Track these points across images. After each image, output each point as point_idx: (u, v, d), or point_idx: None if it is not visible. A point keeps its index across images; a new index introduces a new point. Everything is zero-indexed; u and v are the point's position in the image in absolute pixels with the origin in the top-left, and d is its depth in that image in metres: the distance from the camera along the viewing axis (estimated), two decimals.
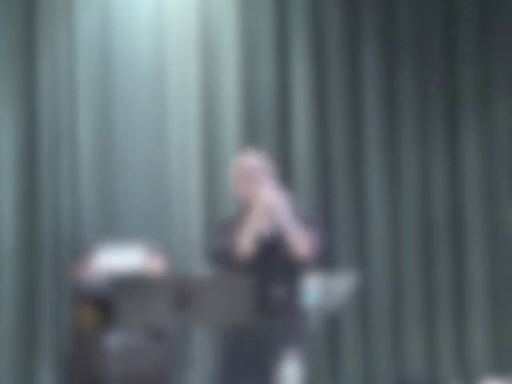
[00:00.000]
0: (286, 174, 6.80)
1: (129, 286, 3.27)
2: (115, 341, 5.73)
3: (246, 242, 3.81)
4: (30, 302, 6.35)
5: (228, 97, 6.68)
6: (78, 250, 6.38)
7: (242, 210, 4.06)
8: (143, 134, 6.61)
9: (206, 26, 6.71)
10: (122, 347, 5.73)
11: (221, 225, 4.21)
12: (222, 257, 3.90)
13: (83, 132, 6.51)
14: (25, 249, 6.39)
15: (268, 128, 6.73)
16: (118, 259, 6.12)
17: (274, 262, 3.84)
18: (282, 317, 3.78)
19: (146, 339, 5.81)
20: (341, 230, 6.74)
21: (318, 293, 4.90)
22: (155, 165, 6.59)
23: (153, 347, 5.82)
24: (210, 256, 4.08)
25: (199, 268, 5.92)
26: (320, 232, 3.98)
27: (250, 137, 6.72)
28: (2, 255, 6.32)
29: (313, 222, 4.01)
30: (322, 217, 4.15)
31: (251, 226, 3.83)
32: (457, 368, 6.79)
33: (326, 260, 3.93)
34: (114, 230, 6.48)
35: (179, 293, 3.14)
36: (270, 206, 3.83)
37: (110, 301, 3.28)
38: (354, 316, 6.68)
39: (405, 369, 6.73)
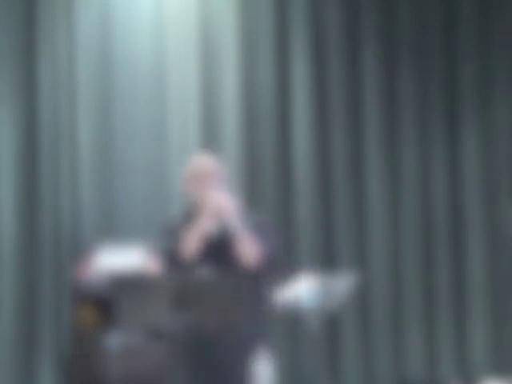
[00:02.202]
0: (285, 174, 6.82)
1: (129, 285, 3.27)
2: (115, 341, 5.72)
3: (192, 243, 3.77)
4: (29, 301, 6.34)
5: (228, 97, 6.68)
6: (78, 249, 6.37)
7: (190, 211, 4.01)
8: (143, 134, 6.61)
9: (206, 26, 6.71)
10: (122, 347, 5.72)
11: (167, 226, 4.14)
12: (169, 257, 3.86)
13: (83, 132, 6.51)
14: (25, 249, 6.38)
15: (268, 128, 6.73)
16: (117, 259, 6.12)
17: (221, 264, 3.76)
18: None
19: (146, 339, 5.80)
20: (341, 229, 6.74)
21: (318, 293, 4.89)
22: (155, 165, 6.60)
23: (153, 347, 5.82)
24: (160, 257, 4.02)
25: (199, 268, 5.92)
26: (269, 241, 3.91)
27: (250, 137, 6.73)
28: (2, 255, 6.32)
29: (263, 230, 3.94)
30: (272, 226, 4.07)
31: (198, 228, 3.79)
32: (457, 368, 6.79)
33: (276, 269, 3.85)
34: (113, 230, 6.48)
35: (179, 293, 3.14)
36: (219, 208, 3.78)
37: (110, 301, 3.28)
38: (353, 316, 6.68)
39: (405, 369, 6.73)
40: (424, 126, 6.93)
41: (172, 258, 3.83)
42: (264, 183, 6.62)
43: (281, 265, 3.88)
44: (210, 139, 6.68)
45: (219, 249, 3.79)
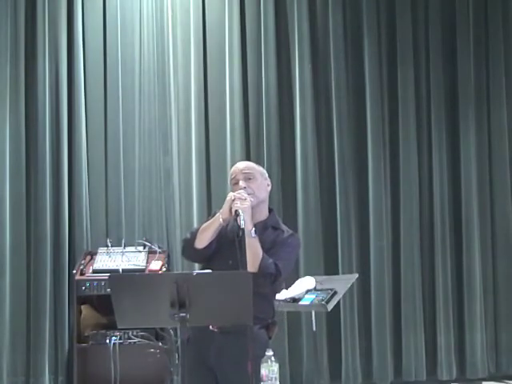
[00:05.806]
0: (286, 174, 6.82)
1: (129, 285, 3.26)
2: (115, 341, 5.72)
3: (206, 235, 3.72)
4: (29, 302, 6.34)
5: (228, 97, 6.68)
6: (78, 249, 6.38)
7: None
8: (144, 133, 6.61)
9: (205, 26, 6.72)
10: (122, 347, 5.72)
11: None
12: (186, 250, 3.83)
13: (83, 132, 6.51)
14: (25, 249, 6.38)
15: (268, 128, 6.73)
16: (117, 259, 6.12)
17: (232, 259, 3.68)
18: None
19: (146, 339, 5.80)
20: (341, 229, 6.73)
21: (318, 293, 4.90)
22: (155, 164, 6.60)
23: (153, 347, 5.82)
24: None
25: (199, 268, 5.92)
26: (283, 257, 3.76)
27: (251, 137, 6.72)
28: (1, 255, 6.32)
29: (282, 244, 3.81)
30: (296, 245, 3.93)
31: (214, 218, 3.76)
32: (457, 368, 6.79)
33: (272, 283, 3.72)
34: (114, 230, 6.48)
35: (179, 293, 3.14)
36: (231, 201, 3.71)
37: (110, 301, 3.27)
38: (354, 316, 6.68)
39: (404, 369, 6.72)
40: (424, 127, 6.93)
41: (189, 250, 3.78)
42: None
43: (278, 280, 3.74)
44: (210, 139, 6.69)
45: (232, 244, 3.69)
